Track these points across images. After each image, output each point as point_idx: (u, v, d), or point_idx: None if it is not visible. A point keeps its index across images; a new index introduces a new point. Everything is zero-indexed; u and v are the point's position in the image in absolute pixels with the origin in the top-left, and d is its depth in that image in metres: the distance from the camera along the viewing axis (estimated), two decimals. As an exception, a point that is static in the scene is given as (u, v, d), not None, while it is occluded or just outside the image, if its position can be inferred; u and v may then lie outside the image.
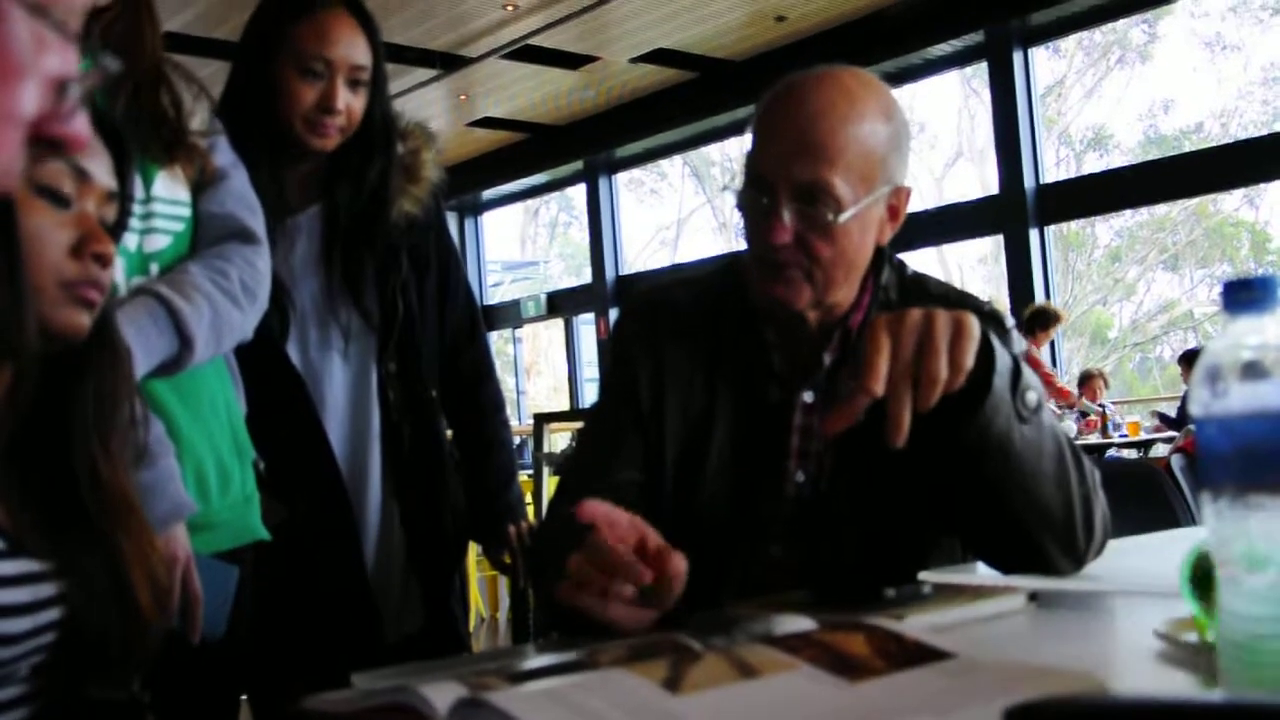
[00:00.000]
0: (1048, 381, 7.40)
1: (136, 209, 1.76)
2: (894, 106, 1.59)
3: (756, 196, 1.56)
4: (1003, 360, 1.37)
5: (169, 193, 1.84)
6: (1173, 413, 9.74)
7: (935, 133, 13.72)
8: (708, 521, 1.58)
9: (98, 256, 1.36)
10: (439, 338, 2.39)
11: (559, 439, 6.23)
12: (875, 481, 1.57)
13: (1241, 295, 0.91)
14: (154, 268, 1.82)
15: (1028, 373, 1.41)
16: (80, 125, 0.71)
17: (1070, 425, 8.36)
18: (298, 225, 2.26)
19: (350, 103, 2.18)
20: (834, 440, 1.60)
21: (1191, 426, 6.84)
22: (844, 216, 1.51)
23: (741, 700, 0.87)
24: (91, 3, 0.70)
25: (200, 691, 1.86)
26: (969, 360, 1.29)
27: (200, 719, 1.91)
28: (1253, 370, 0.89)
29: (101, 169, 1.40)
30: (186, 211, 1.88)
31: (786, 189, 1.52)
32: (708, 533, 1.57)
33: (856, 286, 1.64)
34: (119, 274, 1.70)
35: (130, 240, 1.75)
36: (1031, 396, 1.40)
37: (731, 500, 1.60)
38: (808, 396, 1.64)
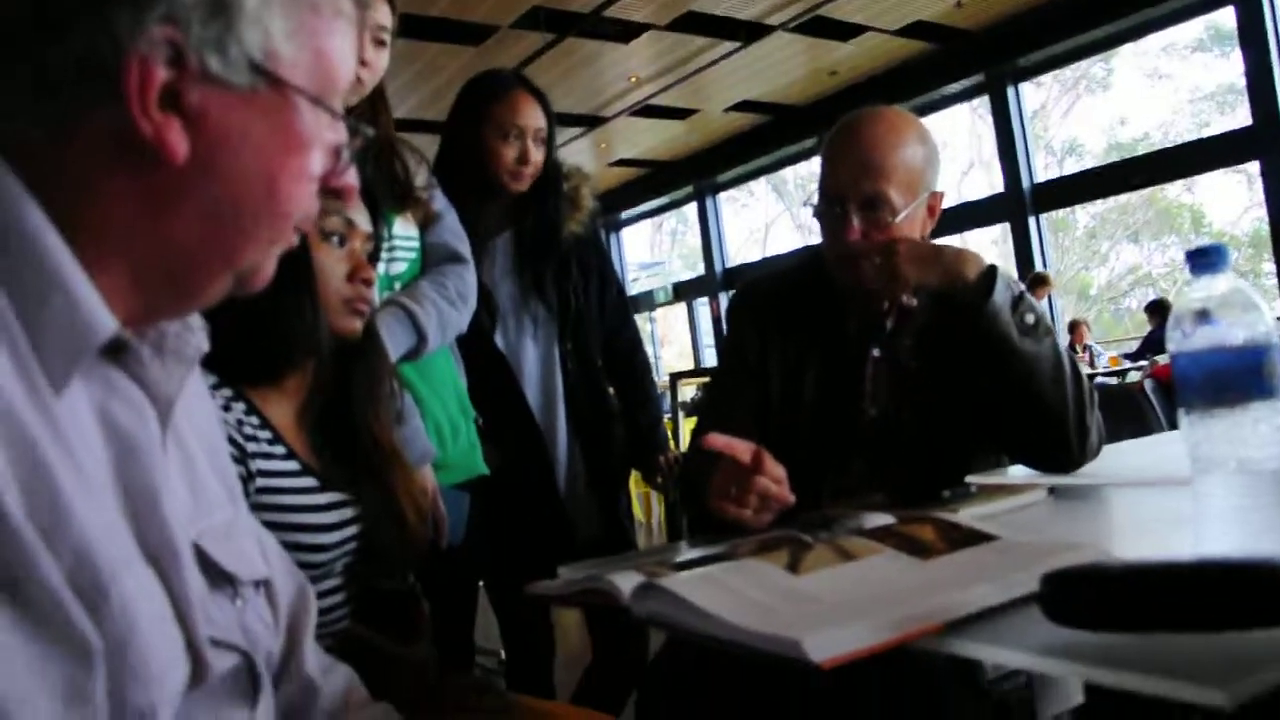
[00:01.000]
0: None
1: (383, 245, 1.80)
2: (927, 133, 1.59)
3: (830, 208, 1.56)
4: (1003, 282, 1.44)
5: (404, 231, 1.88)
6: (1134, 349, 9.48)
7: (953, 149, 13.58)
8: (806, 446, 1.58)
9: (365, 280, 1.39)
10: (600, 323, 2.38)
11: (687, 390, 6.22)
12: (928, 412, 1.57)
13: (1200, 260, 0.91)
14: (397, 285, 1.86)
15: (1030, 301, 1.46)
16: (351, 177, 0.73)
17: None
18: (495, 246, 2.27)
19: (536, 156, 2.19)
20: (897, 384, 1.60)
21: (1157, 357, 6.64)
22: (898, 218, 1.52)
23: (845, 577, 0.88)
24: (349, 92, 0.71)
25: (450, 580, 1.91)
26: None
27: (451, 599, 1.96)
28: (1209, 316, 0.89)
29: (362, 218, 1.42)
30: (416, 244, 1.91)
31: (854, 200, 1.53)
32: (806, 454, 1.56)
33: None
34: (374, 292, 1.74)
35: (379, 267, 1.79)
36: (1029, 317, 1.44)
37: (823, 429, 1.60)
38: (876, 352, 1.63)
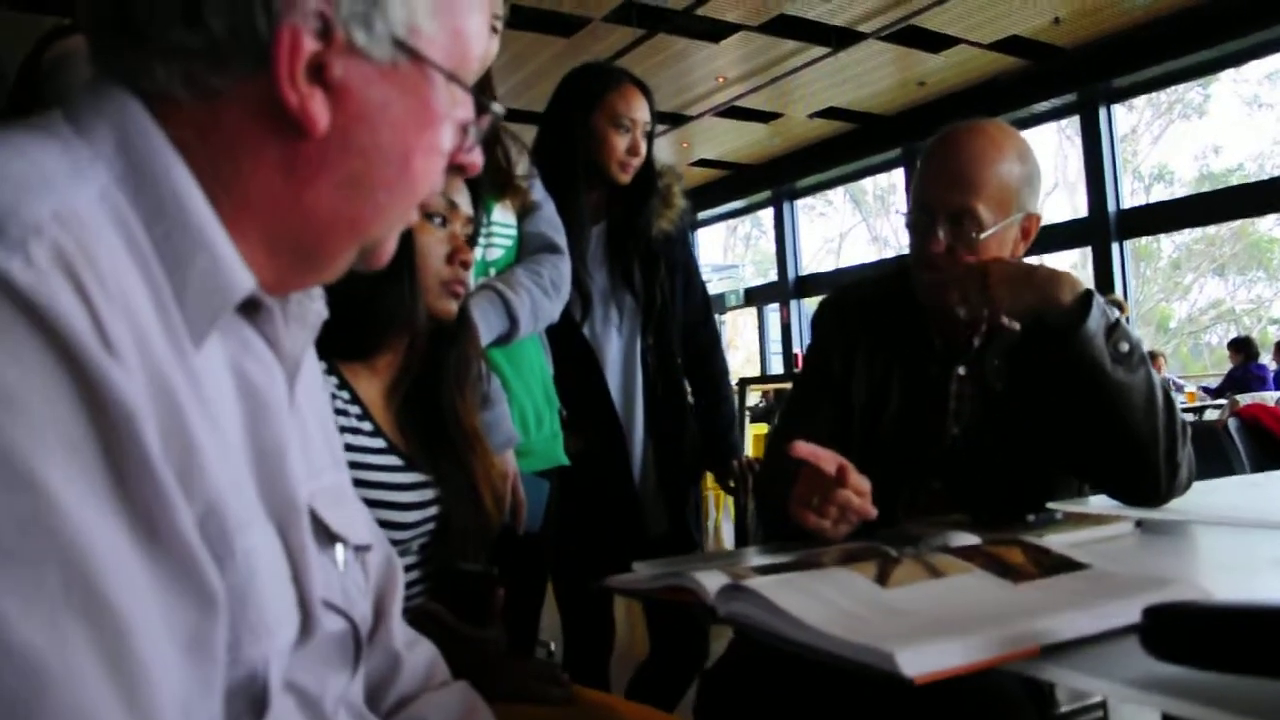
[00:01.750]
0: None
1: (481, 230, 1.82)
2: (1028, 151, 1.56)
3: (920, 217, 1.54)
4: (1098, 308, 1.39)
5: (502, 219, 1.90)
6: (1214, 385, 9.25)
7: (1044, 167, 13.39)
8: (885, 461, 1.56)
9: (463, 263, 1.40)
10: (683, 320, 2.39)
11: (754, 396, 6.20)
12: (1012, 435, 1.54)
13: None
14: (492, 271, 1.88)
15: (1126, 329, 1.41)
16: (477, 156, 0.74)
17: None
18: (590, 236, 2.28)
19: (643, 149, 2.23)
20: (982, 404, 1.58)
21: (1238, 396, 6.46)
22: (985, 235, 1.49)
23: (935, 593, 0.87)
24: (478, 70, 0.72)
25: (526, 564, 1.92)
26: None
27: (526, 584, 1.97)
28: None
29: (464, 200, 1.43)
30: (514, 232, 1.93)
31: (942, 213, 1.51)
32: (886, 471, 1.55)
33: None
34: (470, 276, 1.76)
35: (477, 253, 1.81)
36: (1124, 345, 1.40)
37: (903, 447, 1.58)
38: (961, 370, 1.60)
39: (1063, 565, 0.95)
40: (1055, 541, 1.09)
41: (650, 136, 2.26)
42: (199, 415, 0.57)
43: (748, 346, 15.16)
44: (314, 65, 0.62)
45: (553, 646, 3.80)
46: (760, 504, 1.78)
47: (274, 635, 0.63)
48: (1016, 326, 1.54)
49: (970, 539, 1.09)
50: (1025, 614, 0.80)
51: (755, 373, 12.88)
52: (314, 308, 0.74)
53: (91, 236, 0.53)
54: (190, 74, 0.61)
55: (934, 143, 1.57)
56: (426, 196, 0.71)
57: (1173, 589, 0.85)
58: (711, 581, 0.93)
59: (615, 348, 2.29)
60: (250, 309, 0.66)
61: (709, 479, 2.63)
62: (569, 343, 2.19)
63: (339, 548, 0.77)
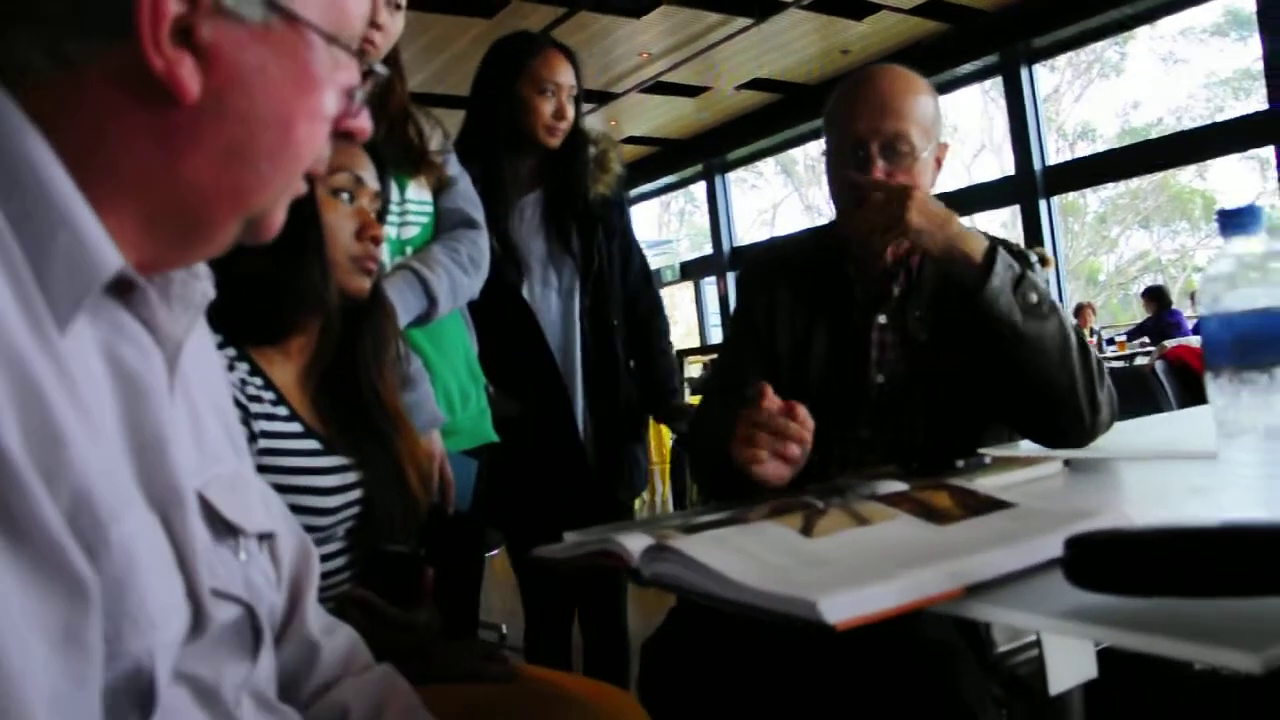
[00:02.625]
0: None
1: (395, 208, 1.78)
2: (931, 87, 1.63)
3: (853, 153, 1.57)
4: (1003, 263, 1.44)
5: (417, 196, 1.87)
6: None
7: (964, 131, 13.53)
8: (815, 413, 1.56)
9: (373, 238, 1.37)
10: (623, 286, 2.40)
11: (694, 369, 6.22)
12: (938, 383, 1.55)
13: (1232, 221, 0.89)
14: (409, 250, 1.84)
15: (1032, 279, 1.46)
16: (365, 120, 0.71)
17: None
18: (525, 203, 2.30)
19: (570, 113, 2.24)
20: (904, 350, 1.59)
21: (1166, 342, 6.61)
22: (919, 159, 1.55)
23: (860, 540, 0.86)
24: (366, 32, 0.69)
25: (458, 544, 1.90)
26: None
27: (457, 565, 1.95)
28: (1240, 278, 0.87)
29: (370, 176, 1.40)
30: (430, 209, 1.90)
31: (877, 141, 1.55)
32: (814, 421, 1.55)
33: None
34: (384, 254, 1.72)
35: (391, 231, 1.78)
36: (1032, 296, 1.44)
37: (830, 396, 1.58)
38: (881, 319, 1.62)
39: (989, 505, 0.94)
40: (984, 484, 1.09)
41: (578, 101, 2.28)
42: (65, 402, 0.54)
43: (686, 320, 15.18)
44: (180, 28, 0.58)
45: (504, 629, 3.78)
46: (695, 462, 1.78)
47: (158, 627, 0.60)
48: (911, 258, 1.58)
49: (898, 486, 1.09)
50: (950, 555, 0.79)
51: (694, 344, 12.92)
52: (199, 287, 0.70)
53: None
54: (50, 44, 0.57)
55: (851, 83, 1.62)
56: (314, 164, 0.68)
57: (1097, 520, 0.84)
58: (635, 544, 0.91)
59: (555, 311, 2.30)
60: (123, 289, 0.62)
61: (657, 450, 2.64)
62: (509, 308, 2.19)
63: (240, 538, 0.74)
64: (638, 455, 2.42)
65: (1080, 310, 9.65)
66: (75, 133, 0.58)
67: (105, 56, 0.58)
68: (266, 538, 0.81)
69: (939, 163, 1.63)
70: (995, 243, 1.48)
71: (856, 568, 0.78)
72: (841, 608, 0.69)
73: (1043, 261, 8.49)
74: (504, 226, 2.23)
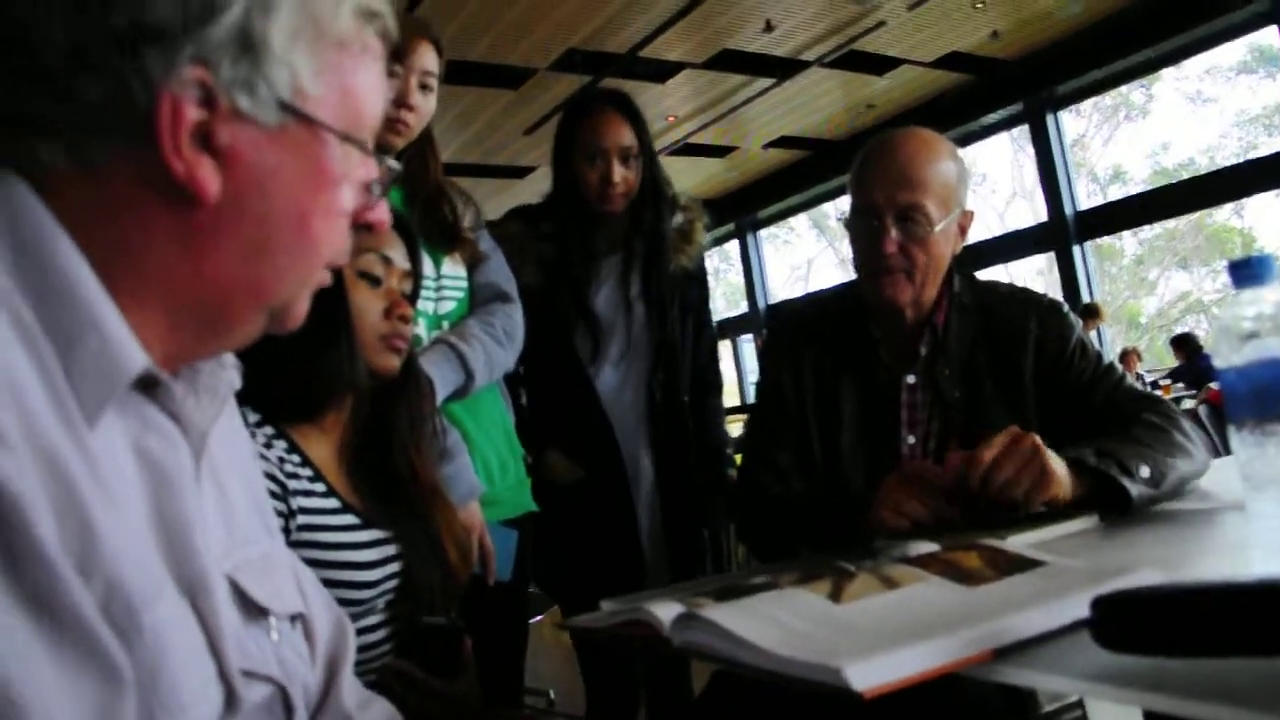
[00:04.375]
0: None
1: (430, 284, 1.81)
2: (956, 151, 1.61)
3: (868, 221, 1.56)
4: (1137, 489, 1.30)
5: (452, 272, 1.90)
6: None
7: (994, 179, 13.51)
8: (848, 476, 1.57)
9: (401, 317, 1.39)
10: (692, 360, 2.34)
11: (734, 428, 6.21)
12: (972, 439, 1.53)
13: (1244, 272, 0.89)
14: (445, 324, 1.87)
15: (1162, 468, 1.33)
16: (383, 212, 0.73)
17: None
18: (601, 269, 2.25)
19: (625, 175, 2.17)
20: (935, 410, 1.58)
21: (1211, 384, 6.51)
22: (935, 230, 1.53)
23: (888, 604, 0.85)
24: (379, 129, 0.71)
25: (499, 616, 1.89)
26: (1035, 504, 1.27)
27: (500, 636, 1.94)
28: (1257, 329, 0.87)
29: (399, 255, 1.43)
30: (464, 284, 1.93)
31: (891, 211, 1.53)
32: (849, 484, 1.55)
33: (938, 290, 1.62)
34: (421, 329, 1.75)
35: (428, 306, 1.81)
36: (1162, 485, 1.33)
37: (864, 461, 1.58)
38: (910, 379, 1.61)
39: (1019, 565, 0.93)
40: (1016, 542, 1.08)
41: (647, 154, 2.20)
42: (96, 495, 0.56)
43: (724, 379, 15.16)
44: (200, 132, 0.61)
45: (551, 694, 3.76)
46: (742, 528, 1.79)
47: (189, 711, 0.61)
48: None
49: (930, 547, 1.08)
50: (979, 618, 0.78)
51: (734, 403, 12.86)
52: (226, 377, 0.72)
53: None
54: (74, 149, 0.60)
55: (869, 149, 1.61)
56: (334, 257, 0.70)
57: (1128, 578, 0.84)
58: (666, 612, 0.91)
59: (622, 381, 2.25)
60: (149, 385, 0.65)
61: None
62: (572, 375, 2.17)
63: (271, 618, 0.75)
64: (704, 534, 2.37)
65: (1125, 356, 9.50)
66: (100, 232, 0.61)
67: (127, 159, 0.61)
68: (298, 618, 0.82)
69: (963, 230, 1.61)
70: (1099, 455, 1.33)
71: (883, 632, 0.77)
72: (868, 674, 0.69)
73: (1095, 314, 8.41)
74: (582, 293, 2.20)
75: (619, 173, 2.15)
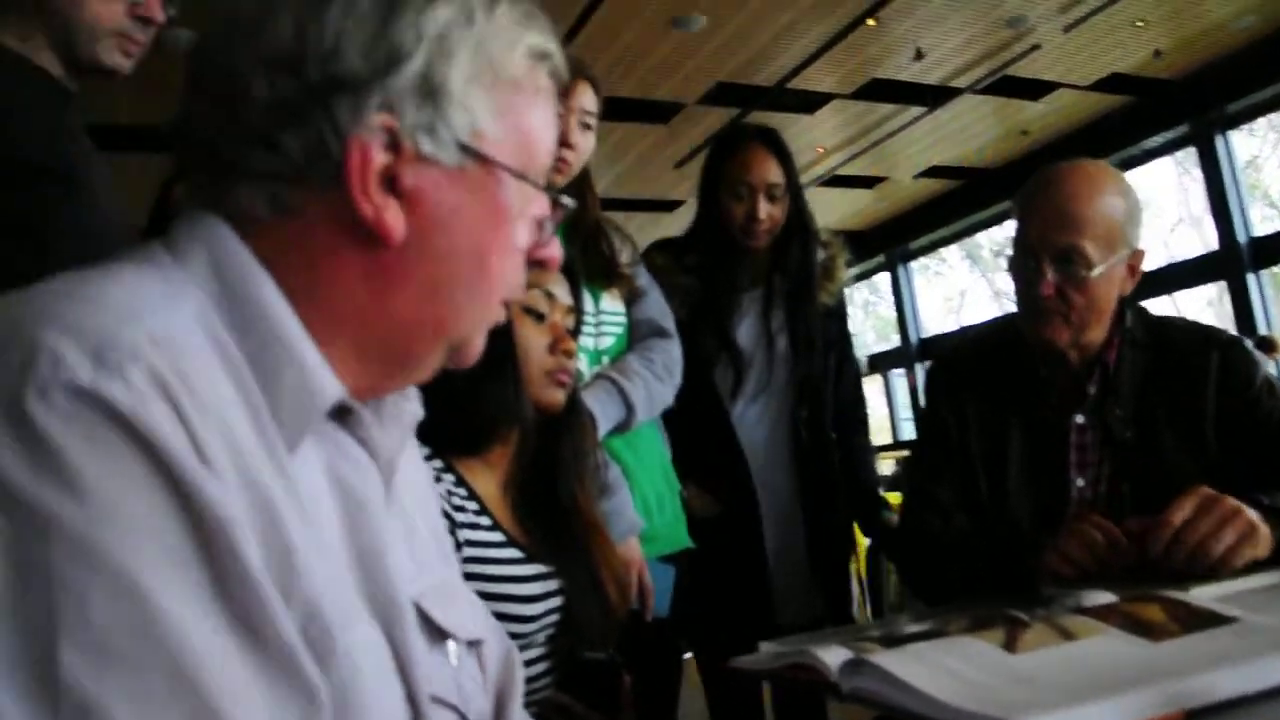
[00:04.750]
0: None
1: (590, 320, 1.85)
2: (1128, 187, 1.53)
3: (1025, 261, 1.51)
4: None
5: (611, 307, 1.93)
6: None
7: (1158, 205, 12.89)
8: (1016, 518, 1.52)
9: (565, 351, 1.42)
10: (835, 396, 2.32)
11: (885, 465, 6.09)
12: (1146, 481, 1.47)
13: None
14: (605, 359, 1.90)
15: None
16: (555, 249, 0.76)
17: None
18: (743, 302, 2.25)
19: (771, 212, 2.18)
20: (1106, 451, 1.52)
21: None
22: (1094, 273, 1.47)
23: (1066, 657, 0.83)
24: (550, 171, 0.74)
25: (656, 652, 1.90)
26: (1237, 563, 1.20)
27: (656, 672, 1.95)
28: None
29: (562, 291, 1.46)
30: (623, 319, 1.96)
31: (1048, 253, 1.48)
32: (1017, 527, 1.50)
33: (1106, 329, 1.55)
34: (583, 365, 1.79)
35: (588, 341, 1.84)
36: None
37: (1032, 502, 1.53)
38: (1079, 419, 1.55)
39: (1206, 620, 0.89)
40: (1200, 594, 1.03)
41: (786, 195, 2.20)
42: (296, 519, 0.59)
43: (875, 415, 14.83)
44: (386, 176, 0.64)
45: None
46: (904, 565, 1.75)
47: None
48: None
49: (1106, 597, 1.04)
50: (1166, 675, 0.75)
51: (886, 440, 12.61)
52: (409, 408, 0.76)
53: (186, 357, 0.56)
54: (272, 195, 0.65)
55: (1031, 185, 1.56)
56: (510, 293, 0.73)
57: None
58: (833, 657, 0.90)
59: (762, 417, 2.24)
60: (342, 414, 0.68)
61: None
62: (710, 410, 2.17)
63: (450, 644, 0.77)
64: (853, 575, 2.34)
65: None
66: (295, 273, 0.65)
67: (319, 203, 0.65)
68: (475, 644, 0.84)
69: (1133, 270, 1.53)
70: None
71: (1064, 687, 0.75)
72: (1050, 731, 0.67)
73: (1273, 346, 7.93)
74: (723, 326, 2.21)
75: (765, 209, 2.16)
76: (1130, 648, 0.84)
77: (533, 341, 1.40)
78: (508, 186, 0.69)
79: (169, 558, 0.52)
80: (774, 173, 2.17)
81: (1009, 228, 1.58)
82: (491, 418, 1.35)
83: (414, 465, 0.85)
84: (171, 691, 0.50)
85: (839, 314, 2.38)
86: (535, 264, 0.75)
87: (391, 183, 0.65)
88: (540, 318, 1.43)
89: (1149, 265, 1.57)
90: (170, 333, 0.57)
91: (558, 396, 1.42)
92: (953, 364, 1.70)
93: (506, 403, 1.35)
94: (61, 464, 0.50)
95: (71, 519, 0.49)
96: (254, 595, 0.54)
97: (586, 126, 1.89)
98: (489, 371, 1.31)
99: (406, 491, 0.79)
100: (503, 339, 1.34)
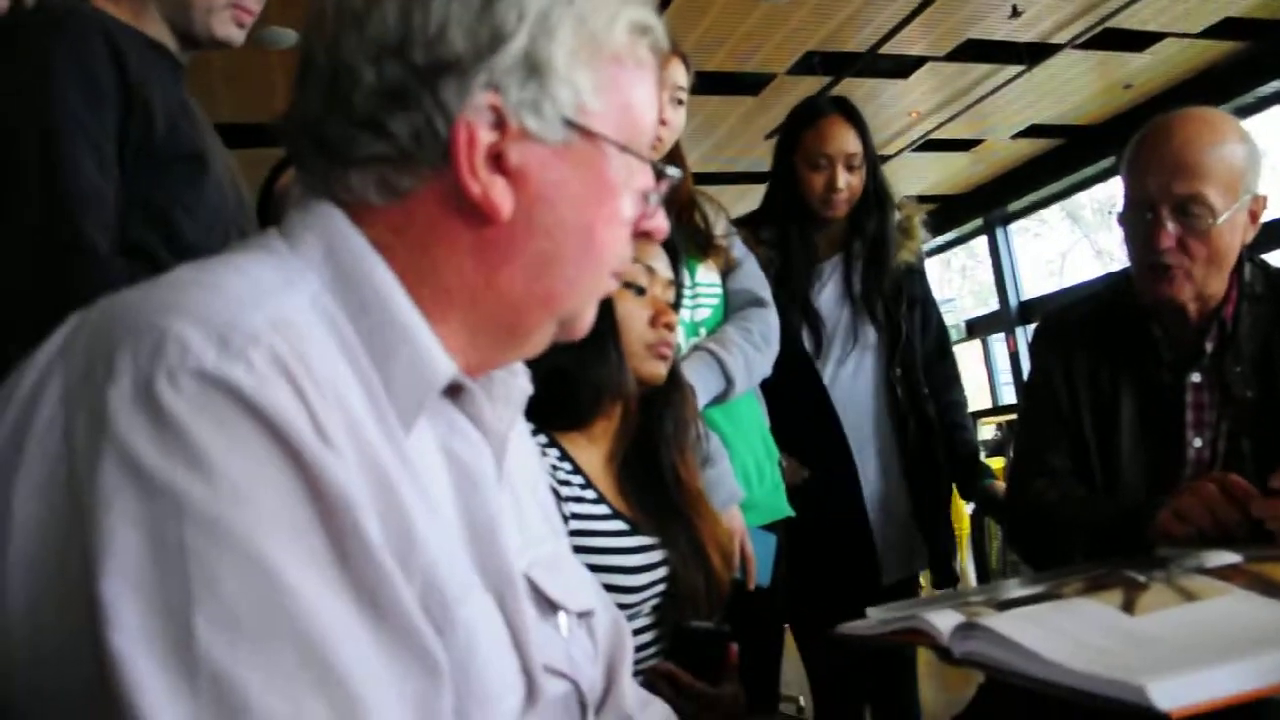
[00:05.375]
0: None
1: (687, 292, 1.85)
2: (1245, 131, 1.47)
3: (1141, 214, 1.46)
4: None
5: (707, 279, 1.94)
6: None
7: (1276, 156, 12.31)
8: (1130, 481, 1.47)
9: (666, 325, 1.42)
10: (922, 355, 2.34)
11: (986, 430, 5.98)
12: (1268, 440, 1.41)
13: None
14: (702, 331, 1.91)
15: None
16: (661, 220, 0.76)
17: None
18: (823, 270, 2.29)
19: (850, 181, 2.20)
20: (1226, 410, 1.46)
21: None
22: (1218, 221, 1.41)
23: (1189, 618, 0.80)
24: (651, 137, 0.74)
25: (758, 621, 1.90)
26: None
27: (758, 640, 1.95)
28: None
29: (662, 265, 1.46)
30: (719, 290, 1.96)
31: (1168, 204, 1.43)
32: (1131, 490, 1.46)
33: (1225, 281, 1.50)
34: (681, 337, 1.79)
35: (685, 314, 1.85)
36: None
37: (1145, 465, 1.48)
38: (1195, 378, 1.50)
39: (1339, 578, 0.85)
40: (1330, 553, 0.98)
41: (870, 161, 2.23)
42: (413, 495, 0.61)
43: (975, 380, 14.51)
44: (492, 154, 0.65)
45: (802, 701, 3.72)
46: (1013, 532, 1.72)
47: (498, 702, 0.65)
48: None
49: (1230, 557, 1.00)
50: (1299, 635, 0.72)
51: (985, 405, 12.36)
52: (518, 384, 0.77)
53: (304, 339, 0.58)
54: (382, 179, 0.66)
55: (1143, 135, 1.50)
56: (618, 265, 0.73)
57: None
58: (944, 621, 0.89)
59: (855, 380, 2.26)
60: (454, 392, 0.70)
61: (956, 519, 2.55)
62: (801, 376, 2.18)
63: (561, 615, 0.79)
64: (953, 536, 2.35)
65: None
66: (409, 254, 0.66)
67: (429, 185, 0.66)
68: (585, 615, 0.85)
69: (1255, 217, 1.48)
70: None
71: (1189, 648, 0.73)
72: (1175, 693, 0.65)
73: None
74: (803, 294, 2.24)
75: (844, 178, 2.19)
76: (1259, 608, 0.81)
77: (633, 315, 1.41)
78: (612, 160, 0.69)
79: (295, 534, 0.53)
80: (852, 143, 2.20)
81: (1113, 185, 1.55)
82: (595, 392, 1.36)
83: (522, 440, 0.86)
84: (301, 662, 0.51)
85: (920, 273, 2.39)
86: (642, 236, 0.75)
87: (498, 160, 0.65)
88: (641, 291, 1.43)
89: (1268, 216, 1.50)
90: (289, 316, 0.59)
91: (659, 370, 1.43)
92: (1061, 324, 1.66)
93: (609, 377, 1.36)
94: (191, 446, 0.52)
95: (202, 498, 0.51)
96: (376, 570, 0.55)
97: (678, 102, 1.89)
98: (591, 347, 1.32)
99: (515, 466, 0.81)
100: (603, 314, 1.35)
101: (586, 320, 0.75)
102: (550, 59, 0.66)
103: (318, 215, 0.67)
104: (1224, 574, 0.90)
